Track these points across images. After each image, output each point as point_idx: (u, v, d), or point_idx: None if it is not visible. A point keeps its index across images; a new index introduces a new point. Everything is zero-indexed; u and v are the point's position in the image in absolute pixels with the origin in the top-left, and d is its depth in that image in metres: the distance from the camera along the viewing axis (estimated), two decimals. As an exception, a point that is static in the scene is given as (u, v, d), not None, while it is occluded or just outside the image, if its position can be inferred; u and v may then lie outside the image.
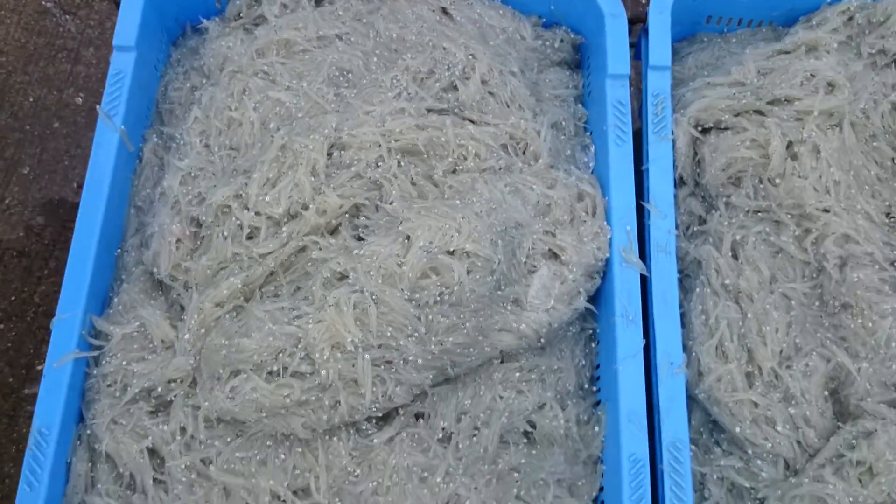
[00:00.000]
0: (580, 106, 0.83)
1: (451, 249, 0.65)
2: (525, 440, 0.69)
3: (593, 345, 0.74)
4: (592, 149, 0.79)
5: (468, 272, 0.64)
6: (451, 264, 0.64)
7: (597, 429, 0.70)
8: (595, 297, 0.74)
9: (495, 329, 0.67)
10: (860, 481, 0.64)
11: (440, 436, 0.66)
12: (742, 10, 0.84)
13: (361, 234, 0.68)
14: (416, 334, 0.63)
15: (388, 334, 0.62)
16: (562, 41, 0.84)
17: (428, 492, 0.63)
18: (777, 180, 0.71)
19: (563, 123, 0.81)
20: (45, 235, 0.98)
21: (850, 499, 0.63)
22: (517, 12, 0.83)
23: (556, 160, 0.77)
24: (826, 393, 0.68)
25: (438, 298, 0.64)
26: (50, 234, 0.98)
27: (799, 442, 0.67)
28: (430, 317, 0.63)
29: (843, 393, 0.68)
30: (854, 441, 0.65)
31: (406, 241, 0.65)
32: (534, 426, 0.69)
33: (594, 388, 0.73)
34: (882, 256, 0.69)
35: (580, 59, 0.87)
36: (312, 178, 0.68)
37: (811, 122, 0.71)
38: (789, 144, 0.72)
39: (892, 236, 0.71)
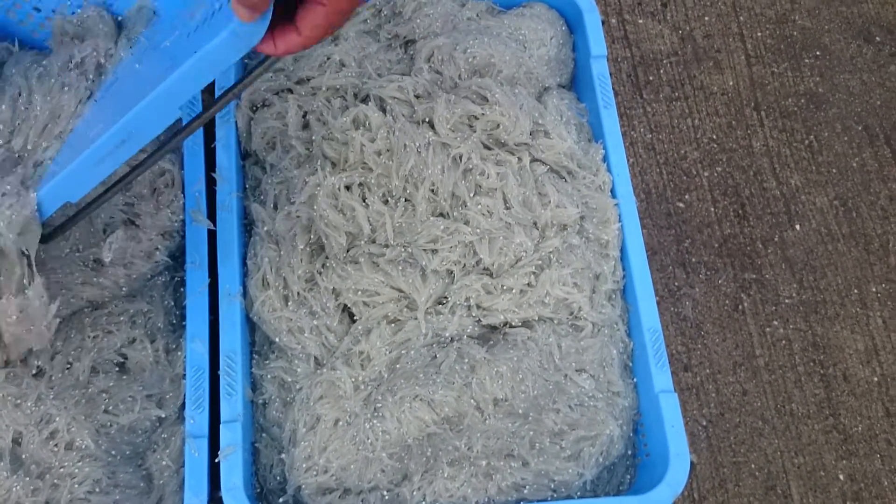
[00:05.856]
0: (176, 96, 1.00)
1: (25, 227, 0.82)
2: (118, 368, 0.88)
3: (182, 289, 0.94)
4: (180, 133, 0.98)
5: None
6: (23, 238, 0.81)
7: (179, 353, 0.90)
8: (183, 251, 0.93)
9: (77, 283, 0.86)
10: (361, 366, 0.86)
11: (35, 372, 0.84)
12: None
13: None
14: (-3, 297, 0.81)
15: (-29, 301, 0.80)
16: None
17: (21, 414, 0.81)
18: (294, 141, 0.91)
19: (159, 112, 0.98)
20: None
21: (352, 379, 0.85)
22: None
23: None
24: (344, 305, 0.89)
25: (15, 267, 0.81)
26: None
27: (324, 344, 0.88)
28: (9, 282, 0.81)
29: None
30: (360, 337, 0.87)
31: (-16, 224, 0.82)
32: (126, 357, 0.89)
33: (183, 323, 0.92)
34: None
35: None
36: None
37: (321, 95, 0.92)
38: (305, 114, 0.92)
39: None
